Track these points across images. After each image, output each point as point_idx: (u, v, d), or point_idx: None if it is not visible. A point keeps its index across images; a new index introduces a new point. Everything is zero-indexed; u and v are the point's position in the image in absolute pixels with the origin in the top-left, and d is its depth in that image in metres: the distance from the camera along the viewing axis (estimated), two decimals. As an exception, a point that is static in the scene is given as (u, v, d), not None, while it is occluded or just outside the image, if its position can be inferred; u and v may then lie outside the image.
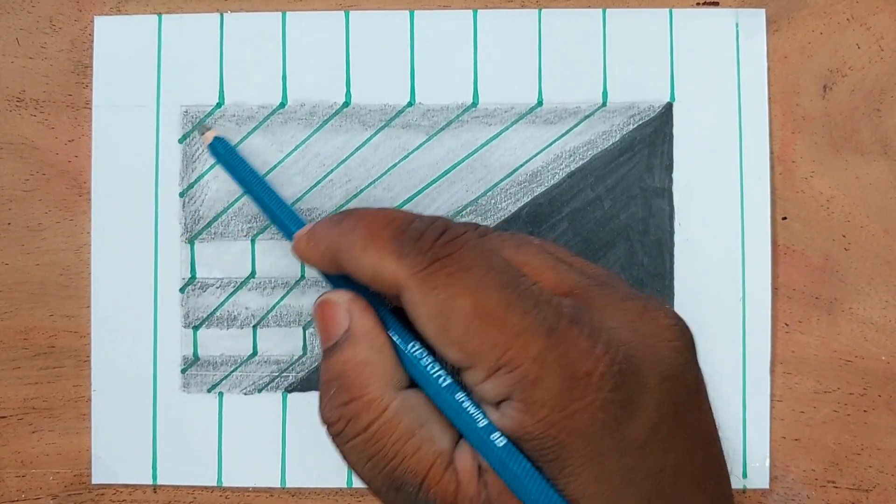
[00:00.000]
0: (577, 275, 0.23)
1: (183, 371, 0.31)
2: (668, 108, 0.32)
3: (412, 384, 0.23)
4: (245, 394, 0.31)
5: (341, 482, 0.31)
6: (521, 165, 0.31)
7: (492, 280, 0.21)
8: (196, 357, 0.31)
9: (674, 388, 0.21)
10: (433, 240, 0.22)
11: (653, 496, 0.21)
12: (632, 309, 0.22)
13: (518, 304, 0.21)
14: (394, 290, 0.22)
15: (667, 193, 0.31)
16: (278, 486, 0.31)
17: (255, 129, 0.31)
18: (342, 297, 0.24)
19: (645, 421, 0.21)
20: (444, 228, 0.22)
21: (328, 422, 0.23)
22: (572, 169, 0.31)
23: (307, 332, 0.31)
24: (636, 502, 0.21)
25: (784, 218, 0.32)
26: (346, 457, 0.23)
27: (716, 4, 0.32)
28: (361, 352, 0.23)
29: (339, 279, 0.25)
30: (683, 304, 0.31)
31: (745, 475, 0.31)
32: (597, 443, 0.20)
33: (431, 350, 0.23)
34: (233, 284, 0.31)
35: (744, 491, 0.31)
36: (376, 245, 0.22)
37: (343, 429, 0.23)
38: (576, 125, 0.31)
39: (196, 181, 0.31)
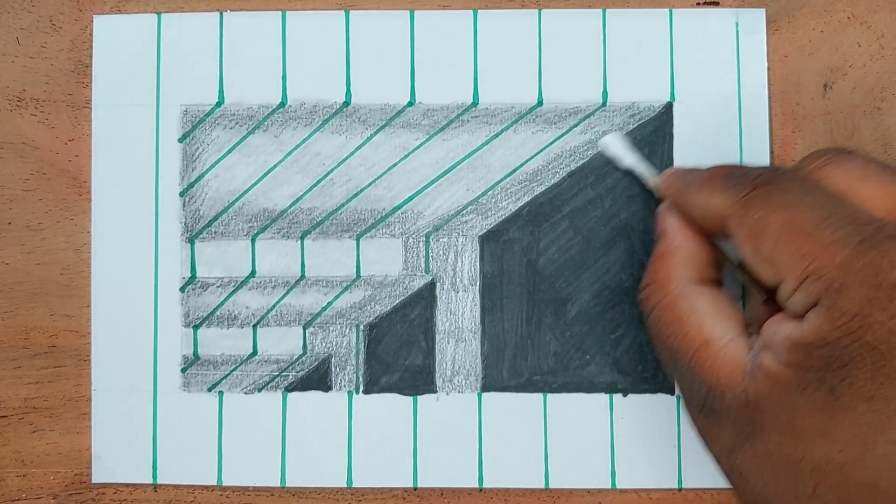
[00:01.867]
0: None
1: (183, 370, 0.31)
2: (668, 108, 0.32)
3: (716, 282, 0.27)
4: (245, 393, 0.31)
5: (341, 482, 0.31)
6: (522, 165, 0.31)
7: (808, 200, 0.22)
8: (196, 356, 0.31)
9: None
10: (757, 174, 0.24)
11: None
12: None
13: (831, 220, 0.22)
14: (720, 224, 0.25)
15: (667, 193, 0.31)
16: (278, 485, 0.31)
17: (255, 128, 0.31)
18: (662, 207, 0.28)
19: None
20: (771, 168, 0.24)
21: (640, 301, 0.27)
22: (572, 168, 0.31)
23: (307, 331, 0.31)
24: None
25: (784, 217, 0.32)
26: (648, 330, 0.27)
27: (716, 4, 0.32)
28: (662, 247, 0.27)
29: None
30: (684, 304, 0.31)
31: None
32: (887, 361, 0.20)
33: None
34: (233, 284, 0.31)
35: (744, 490, 0.31)
36: (709, 184, 0.25)
37: (643, 307, 0.27)
38: (576, 125, 0.31)
39: (196, 180, 0.32)
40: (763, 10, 0.32)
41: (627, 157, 0.31)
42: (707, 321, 0.25)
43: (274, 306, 0.31)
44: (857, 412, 0.20)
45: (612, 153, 0.31)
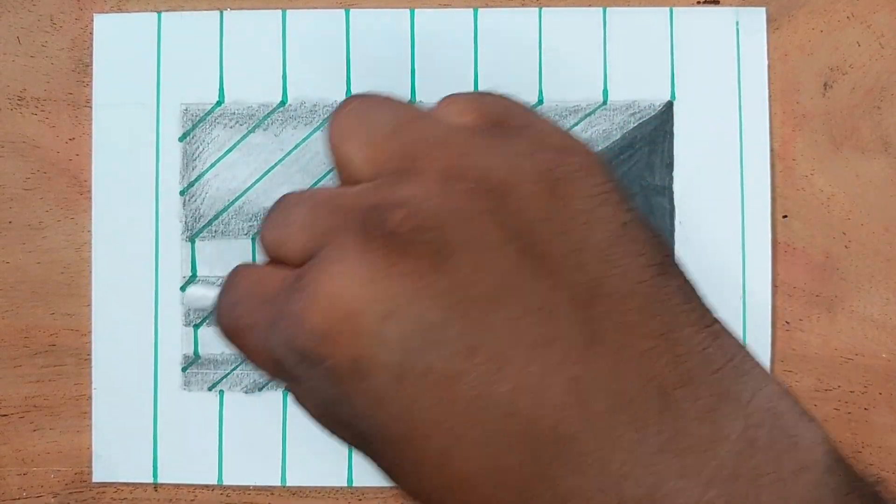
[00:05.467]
0: None
1: (183, 369, 0.31)
2: (668, 107, 0.32)
3: None
4: (245, 392, 0.31)
5: (342, 481, 0.31)
6: (522, 164, 0.31)
7: None
8: (196, 355, 0.31)
9: None
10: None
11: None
12: None
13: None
14: None
15: (667, 191, 0.31)
16: (279, 484, 0.31)
17: (255, 127, 0.31)
18: None
19: None
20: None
21: None
22: (573, 167, 0.31)
23: (308, 330, 0.31)
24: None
25: (784, 216, 0.32)
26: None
27: (716, 3, 0.32)
28: None
29: None
30: (684, 303, 0.31)
31: (745, 473, 0.31)
32: None
33: None
34: (233, 283, 0.31)
35: (744, 489, 0.31)
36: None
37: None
38: (576, 123, 0.31)
39: (196, 179, 0.31)
40: (763, 9, 0.32)
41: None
42: None
43: (274, 305, 0.31)
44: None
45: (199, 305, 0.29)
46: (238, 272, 0.22)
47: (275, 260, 0.21)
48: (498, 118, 0.21)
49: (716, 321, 0.20)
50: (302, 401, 0.21)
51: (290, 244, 0.21)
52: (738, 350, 0.20)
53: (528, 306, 0.18)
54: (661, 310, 0.19)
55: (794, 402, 0.20)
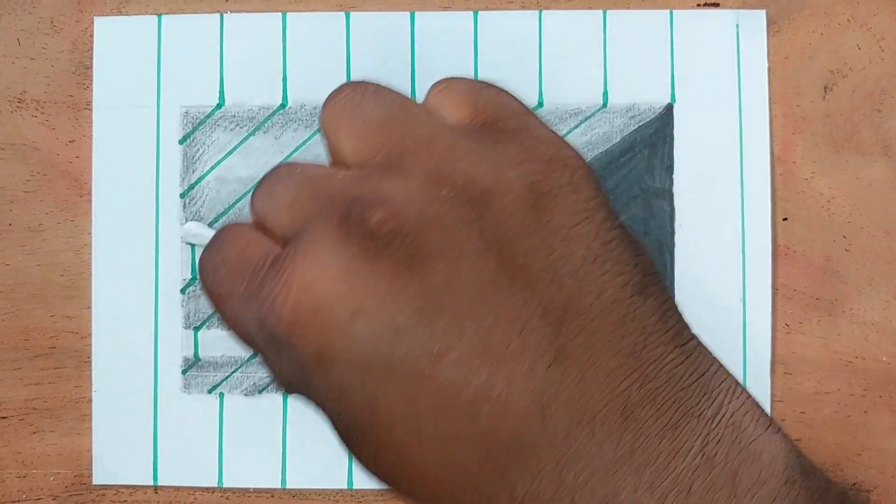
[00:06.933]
0: None
1: (184, 372, 0.31)
2: (668, 110, 0.32)
3: None
4: (245, 395, 0.31)
5: (342, 483, 0.31)
6: (522, 166, 0.31)
7: None
8: (197, 358, 0.31)
9: None
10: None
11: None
12: None
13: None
14: None
15: (667, 194, 0.31)
16: (279, 486, 0.31)
17: (255, 129, 0.31)
18: None
19: None
20: None
21: None
22: (573, 170, 0.31)
23: (308, 332, 0.31)
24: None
25: (785, 219, 0.32)
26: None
27: (716, 6, 0.32)
28: None
29: None
30: (684, 305, 0.31)
31: (745, 476, 0.31)
32: None
33: None
34: (233, 285, 0.31)
35: (744, 492, 0.31)
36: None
37: None
38: (576, 126, 0.31)
39: (197, 182, 0.31)
40: (763, 12, 0.32)
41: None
42: None
43: (274, 308, 0.31)
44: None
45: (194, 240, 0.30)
46: (226, 232, 0.22)
47: (261, 226, 0.21)
48: (492, 118, 0.21)
49: (691, 338, 0.20)
50: (270, 369, 0.22)
51: (274, 218, 0.21)
52: (708, 366, 0.20)
53: (499, 317, 0.18)
54: (632, 329, 0.19)
55: (759, 416, 0.20)
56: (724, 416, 0.20)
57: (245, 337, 0.21)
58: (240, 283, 0.21)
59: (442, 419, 0.19)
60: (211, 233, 0.24)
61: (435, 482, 0.19)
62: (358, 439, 0.20)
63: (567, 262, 0.19)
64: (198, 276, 0.23)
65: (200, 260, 0.22)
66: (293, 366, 0.20)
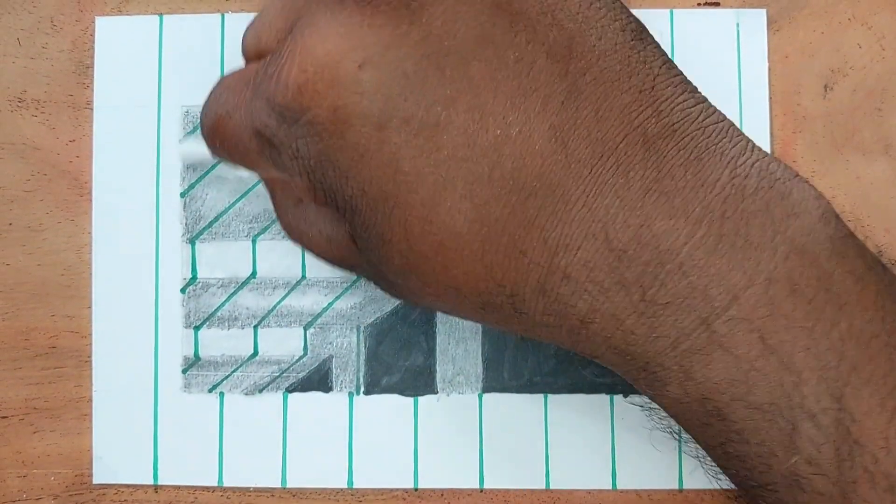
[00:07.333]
0: None
1: (184, 371, 0.31)
2: (668, 108, 0.31)
3: None
4: (246, 394, 0.31)
5: (342, 483, 0.31)
6: (522, 165, 0.31)
7: None
8: (197, 357, 0.31)
9: None
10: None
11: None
12: None
13: None
14: None
15: (668, 193, 0.31)
16: (279, 486, 0.31)
17: (256, 129, 0.31)
18: None
19: None
20: None
21: None
22: (573, 169, 0.31)
23: (308, 332, 0.31)
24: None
25: (785, 218, 0.32)
26: None
27: (717, 5, 0.32)
28: None
29: None
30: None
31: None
32: None
33: None
34: (234, 284, 0.31)
35: (745, 491, 0.31)
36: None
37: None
38: (577, 125, 0.31)
39: (197, 181, 0.32)
40: (764, 11, 0.32)
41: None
42: None
43: (275, 307, 0.31)
44: None
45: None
46: (223, 77, 0.22)
47: (258, 55, 0.22)
48: None
49: (701, 96, 0.20)
50: (282, 205, 0.21)
51: (267, 32, 0.21)
52: (723, 118, 0.20)
53: (504, 59, 0.18)
54: (639, 70, 0.19)
55: (786, 167, 0.20)
56: (748, 158, 0.19)
57: (256, 144, 0.21)
58: (243, 92, 0.21)
59: (465, 168, 0.18)
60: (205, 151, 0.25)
61: (469, 246, 0.19)
62: (385, 224, 0.19)
63: (563, 6, 0.19)
64: (201, 126, 0.23)
65: (203, 109, 0.22)
66: (310, 140, 0.19)
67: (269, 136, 0.20)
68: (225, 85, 0.22)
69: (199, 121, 0.23)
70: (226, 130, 0.22)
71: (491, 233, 0.19)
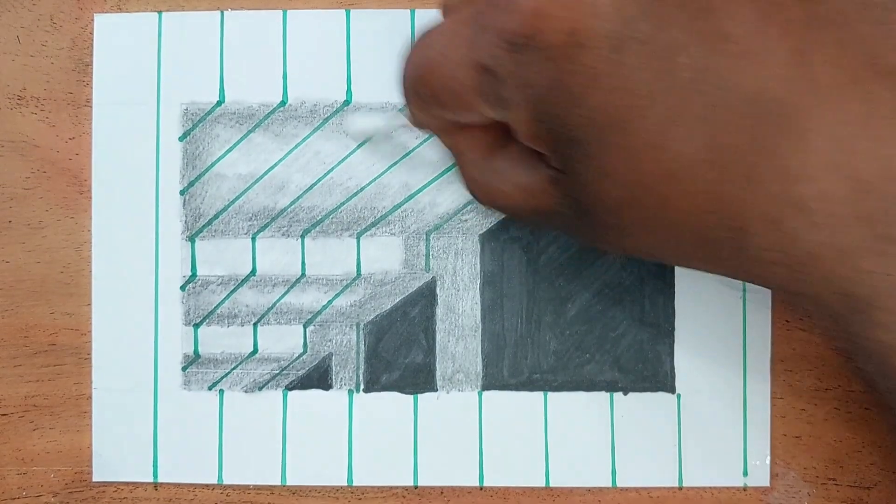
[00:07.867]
0: None
1: (184, 369, 0.31)
2: (668, 106, 0.32)
3: None
4: (245, 391, 0.31)
5: (342, 480, 0.31)
6: (522, 163, 0.31)
7: None
8: (196, 355, 0.31)
9: None
10: None
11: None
12: None
13: None
14: None
15: (667, 191, 0.31)
16: (279, 483, 0.31)
17: (255, 126, 0.31)
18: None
19: None
20: None
21: None
22: (573, 167, 0.31)
23: (307, 329, 0.31)
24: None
25: (785, 215, 0.32)
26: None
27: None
28: None
29: None
30: (683, 302, 0.31)
31: (745, 473, 0.31)
32: None
33: None
34: (233, 282, 0.31)
35: (744, 489, 0.31)
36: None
37: None
38: (576, 123, 0.31)
39: (197, 179, 0.32)
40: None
41: (376, 121, 0.27)
42: None
43: (274, 304, 0.31)
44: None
45: (358, 129, 0.30)
46: (426, 31, 0.22)
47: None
48: None
49: None
50: (470, 162, 0.21)
51: None
52: None
53: None
54: (875, 3, 0.18)
55: None
56: None
57: (475, 81, 0.20)
58: (460, 29, 0.20)
59: (701, 92, 0.17)
60: (377, 116, 0.25)
61: (701, 174, 0.18)
62: (608, 153, 0.18)
63: None
64: (405, 75, 0.22)
65: (409, 57, 0.22)
66: (541, 66, 0.18)
67: (494, 69, 0.19)
68: (433, 33, 0.22)
69: (400, 76, 0.22)
70: (440, 72, 0.21)
71: (726, 161, 0.18)
